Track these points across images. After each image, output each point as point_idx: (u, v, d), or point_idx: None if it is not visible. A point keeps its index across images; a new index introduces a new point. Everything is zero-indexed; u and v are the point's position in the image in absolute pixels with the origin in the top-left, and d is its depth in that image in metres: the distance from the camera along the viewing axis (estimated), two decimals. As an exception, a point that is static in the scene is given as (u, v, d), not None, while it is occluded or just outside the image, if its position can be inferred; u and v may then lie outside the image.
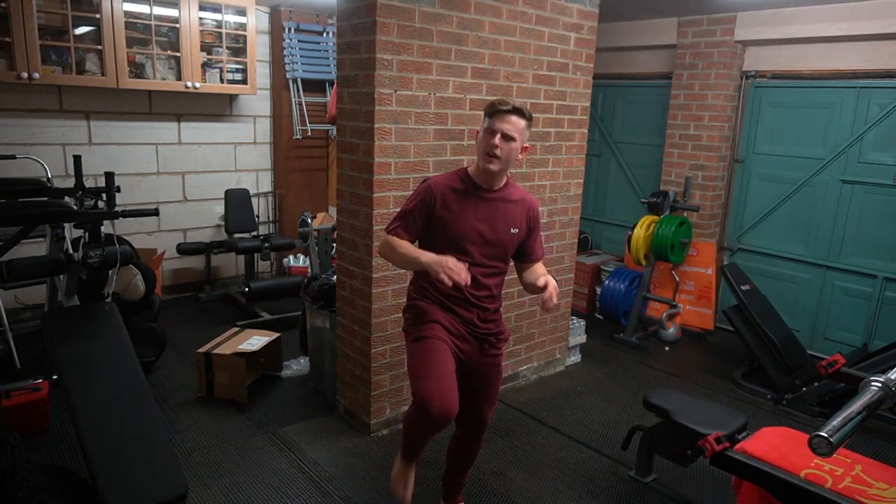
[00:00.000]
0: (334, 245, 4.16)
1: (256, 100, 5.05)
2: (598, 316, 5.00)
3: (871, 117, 3.93)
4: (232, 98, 4.95)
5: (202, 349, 3.29)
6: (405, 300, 2.13)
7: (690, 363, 4.19)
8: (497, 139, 1.84)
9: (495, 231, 1.95)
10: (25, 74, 3.73)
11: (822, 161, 4.18)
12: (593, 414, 3.33)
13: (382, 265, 2.71)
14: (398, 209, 2.07)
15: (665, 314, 4.52)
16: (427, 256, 1.83)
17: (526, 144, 1.93)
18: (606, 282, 4.87)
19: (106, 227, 2.78)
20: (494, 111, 1.86)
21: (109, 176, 2.77)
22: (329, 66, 5.21)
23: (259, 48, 4.88)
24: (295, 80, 5.09)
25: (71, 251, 2.80)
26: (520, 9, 3.02)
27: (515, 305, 3.48)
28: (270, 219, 5.42)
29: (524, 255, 2.07)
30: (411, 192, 2.08)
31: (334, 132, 4.26)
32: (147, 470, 2.19)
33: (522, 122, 1.88)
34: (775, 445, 1.94)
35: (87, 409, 2.26)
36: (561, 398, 3.51)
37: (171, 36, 4.37)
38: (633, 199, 5.33)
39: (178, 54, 4.36)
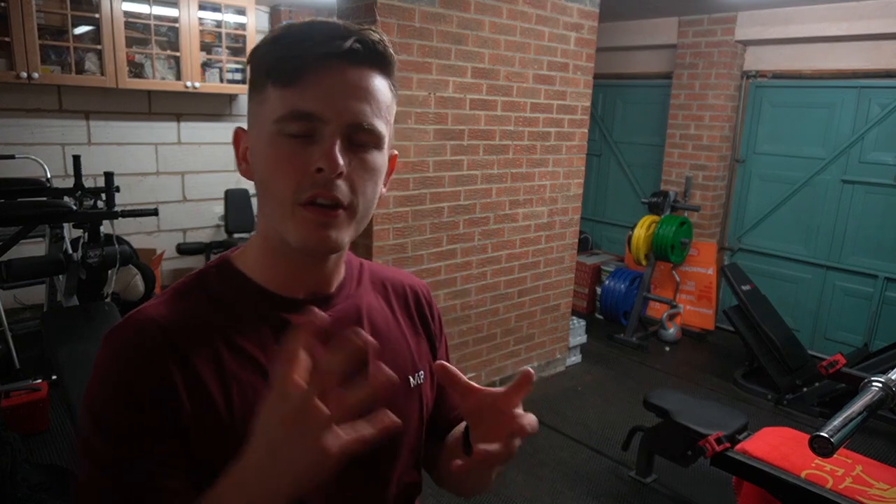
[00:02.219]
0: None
1: (256, 100, 5.04)
2: (599, 316, 4.99)
3: (872, 117, 3.93)
4: (232, 98, 4.94)
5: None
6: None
7: (691, 363, 4.19)
8: (335, 149, 0.63)
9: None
10: (25, 74, 3.72)
11: (822, 161, 4.17)
12: (593, 414, 3.33)
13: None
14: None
15: (665, 314, 4.52)
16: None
17: (394, 152, 0.75)
18: (607, 282, 4.87)
19: (105, 227, 2.78)
20: (311, 60, 0.63)
21: (109, 176, 2.77)
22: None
23: (259, 48, 4.87)
24: (295, 80, 5.08)
25: (70, 251, 2.80)
26: (520, 8, 3.02)
27: (515, 305, 3.48)
28: (270, 219, 5.41)
29: (446, 412, 0.89)
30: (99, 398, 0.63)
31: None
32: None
33: (386, 86, 0.68)
34: (776, 446, 1.93)
35: (86, 409, 2.26)
36: (561, 398, 3.50)
37: (170, 36, 4.37)
38: (633, 199, 5.32)
39: (177, 54, 4.35)
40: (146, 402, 0.60)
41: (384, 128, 0.67)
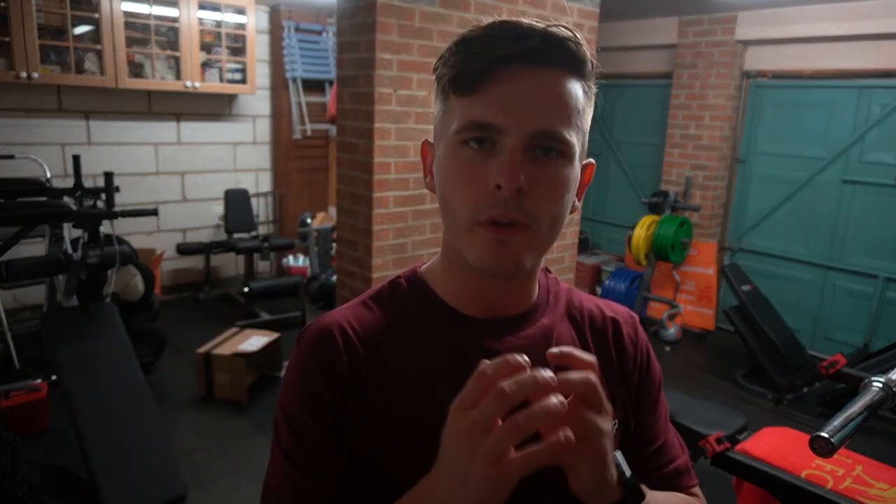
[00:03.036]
0: (334, 245, 4.16)
1: (256, 99, 5.05)
2: (599, 316, 4.98)
3: (872, 117, 3.93)
4: (231, 98, 4.94)
5: (202, 349, 3.28)
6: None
7: (691, 363, 4.18)
8: (514, 162, 0.58)
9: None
10: (24, 74, 3.72)
11: (822, 161, 4.17)
12: (593, 414, 3.33)
13: (382, 265, 2.70)
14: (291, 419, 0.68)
15: (666, 314, 4.51)
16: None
17: (590, 161, 0.70)
18: (607, 282, 4.86)
19: (105, 227, 2.78)
20: (490, 65, 0.59)
21: (109, 176, 2.77)
22: (329, 65, 5.20)
23: (258, 48, 4.88)
24: (294, 80, 5.08)
25: (70, 251, 2.80)
26: (520, 8, 3.02)
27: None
28: (270, 219, 5.41)
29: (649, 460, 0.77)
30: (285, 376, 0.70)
31: (334, 132, 4.27)
32: (146, 470, 2.19)
33: (578, 88, 0.62)
34: (776, 446, 1.93)
35: (86, 409, 2.26)
36: (561, 398, 3.50)
37: (170, 35, 4.37)
38: (633, 199, 5.32)
39: (177, 54, 4.35)
40: (328, 405, 0.63)
41: (574, 136, 0.61)
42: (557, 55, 0.59)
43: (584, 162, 0.67)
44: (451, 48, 0.62)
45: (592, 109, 0.65)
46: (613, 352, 0.75)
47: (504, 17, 0.60)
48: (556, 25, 0.60)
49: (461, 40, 0.61)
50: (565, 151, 0.60)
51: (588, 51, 0.62)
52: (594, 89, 0.64)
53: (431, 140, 0.70)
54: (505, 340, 0.67)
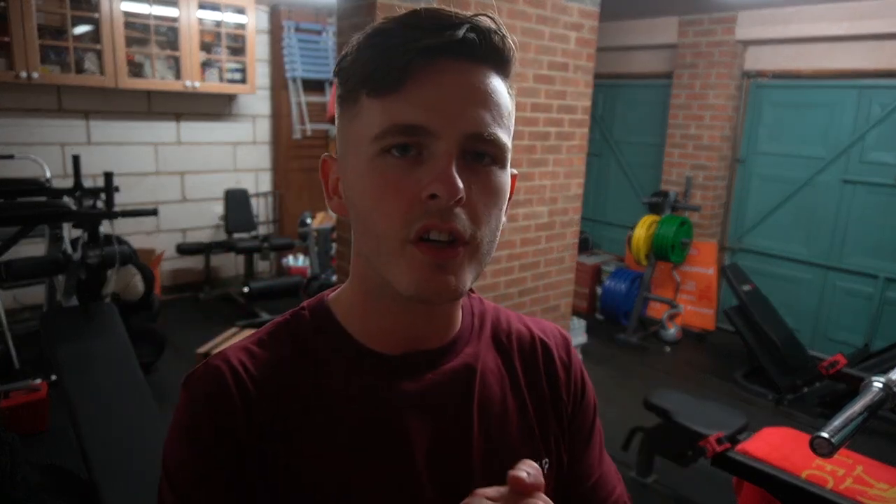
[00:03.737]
0: (334, 245, 4.16)
1: (256, 99, 5.04)
2: (599, 316, 4.99)
3: (873, 117, 3.93)
4: (231, 98, 4.94)
5: (202, 349, 3.28)
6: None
7: (691, 363, 4.18)
8: (451, 169, 0.51)
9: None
10: (24, 74, 3.72)
11: (823, 161, 4.17)
12: (593, 414, 3.33)
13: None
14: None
15: (666, 314, 4.51)
16: None
17: (514, 171, 0.60)
18: (607, 282, 4.86)
19: (105, 227, 2.77)
20: (413, 59, 0.51)
21: (108, 176, 2.77)
22: (329, 65, 5.20)
23: (258, 47, 4.88)
24: (294, 80, 5.08)
25: (70, 251, 2.80)
26: (520, 8, 3.01)
27: (515, 306, 3.47)
28: (270, 219, 5.41)
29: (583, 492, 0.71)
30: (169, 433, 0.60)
31: (334, 132, 4.28)
32: (146, 470, 2.19)
33: (504, 88, 0.56)
34: (776, 446, 1.93)
35: (86, 409, 2.26)
36: (561, 398, 3.50)
37: (170, 35, 4.37)
38: (633, 199, 5.32)
39: (177, 54, 4.35)
40: (211, 456, 0.55)
41: (507, 139, 0.54)
42: (486, 50, 0.53)
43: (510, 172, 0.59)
44: (360, 42, 0.53)
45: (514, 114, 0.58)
46: (544, 379, 0.68)
47: (424, 5, 0.53)
48: (481, 15, 0.53)
49: (374, 32, 0.52)
50: (499, 157, 0.54)
51: (514, 47, 0.55)
52: (514, 92, 0.57)
53: (334, 154, 0.61)
54: (423, 378, 0.60)
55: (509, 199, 0.59)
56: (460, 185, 0.50)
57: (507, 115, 0.55)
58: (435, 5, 0.54)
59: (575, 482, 0.69)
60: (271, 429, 0.56)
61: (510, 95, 0.56)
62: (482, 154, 0.53)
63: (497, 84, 0.54)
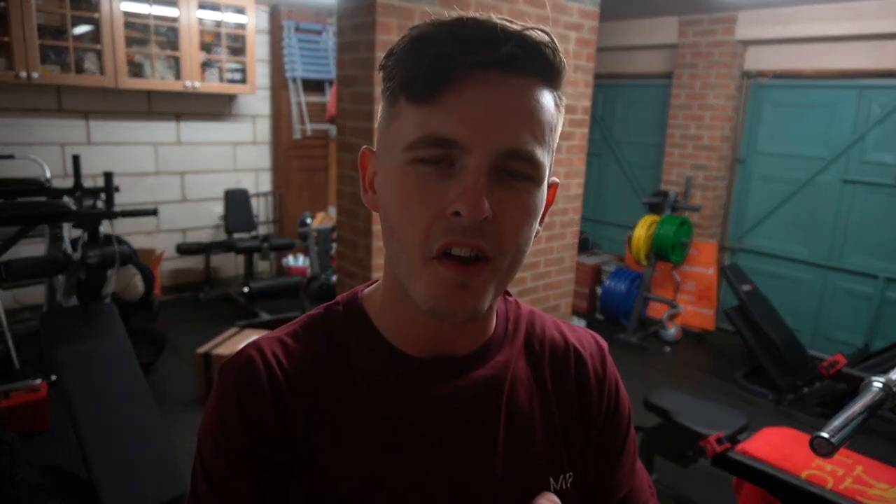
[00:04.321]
0: (334, 245, 4.15)
1: (256, 99, 5.04)
2: (599, 316, 4.99)
3: (873, 117, 3.92)
4: (231, 98, 4.94)
5: (201, 349, 3.28)
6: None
7: (691, 363, 4.18)
8: (478, 187, 0.50)
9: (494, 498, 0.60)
10: (24, 74, 3.72)
11: (823, 161, 4.17)
12: (593, 414, 3.33)
13: (382, 266, 2.69)
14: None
15: (666, 314, 4.51)
16: None
17: (555, 179, 0.60)
18: (607, 282, 4.86)
19: (105, 227, 2.77)
20: (454, 70, 0.50)
21: (108, 176, 2.77)
22: (329, 65, 5.20)
23: (258, 47, 4.87)
24: (294, 80, 5.08)
25: (70, 251, 2.80)
26: (520, 8, 3.02)
27: (515, 305, 3.47)
28: (270, 219, 5.41)
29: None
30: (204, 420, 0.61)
31: (334, 132, 4.28)
32: (146, 470, 2.19)
33: (551, 101, 0.54)
34: (776, 446, 1.93)
35: (86, 409, 2.26)
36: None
37: (170, 35, 4.37)
38: (633, 199, 5.32)
39: (177, 54, 4.35)
40: (240, 447, 0.56)
41: (545, 156, 0.53)
42: (532, 63, 0.51)
43: (549, 181, 0.58)
44: (405, 44, 0.52)
45: (561, 125, 0.57)
46: (575, 390, 0.66)
47: (474, 14, 0.51)
48: (532, 28, 0.52)
49: (420, 36, 0.51)
50: (535, 175, 0.52)
51: (564, 59, 0.53)
52: (564, 101, 0.56)
53: (374, 148, 0.60)
54: (452, 384, 0.59)
55: (547, 207, 0.58)
56: (485, 204, 0.49)
57: (548, 131, 0.53)
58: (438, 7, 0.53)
59: (605, 496, 0.67)
60: (302, 423, 0.57)
61: (558, 108, 0.55)
62: (516, 172, 0.51)
63: (542, 98, 0.52)
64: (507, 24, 0.51)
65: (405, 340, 0.60)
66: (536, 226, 0.56)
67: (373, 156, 0.60)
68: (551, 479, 0.62)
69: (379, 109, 0.58)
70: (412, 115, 0.51)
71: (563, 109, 0.56)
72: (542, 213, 0.56)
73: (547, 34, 0.52)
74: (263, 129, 5.19)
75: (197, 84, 4.44)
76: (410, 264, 0.53)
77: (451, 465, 0.58)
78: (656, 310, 4.73)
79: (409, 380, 0.59)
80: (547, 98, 0.53)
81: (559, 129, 0.56)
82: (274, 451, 0.56)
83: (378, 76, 0.56)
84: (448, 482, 0.58)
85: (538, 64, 0.52)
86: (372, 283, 0.67)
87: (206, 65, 4.58)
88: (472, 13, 0.51)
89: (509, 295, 0.68)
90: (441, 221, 0.50)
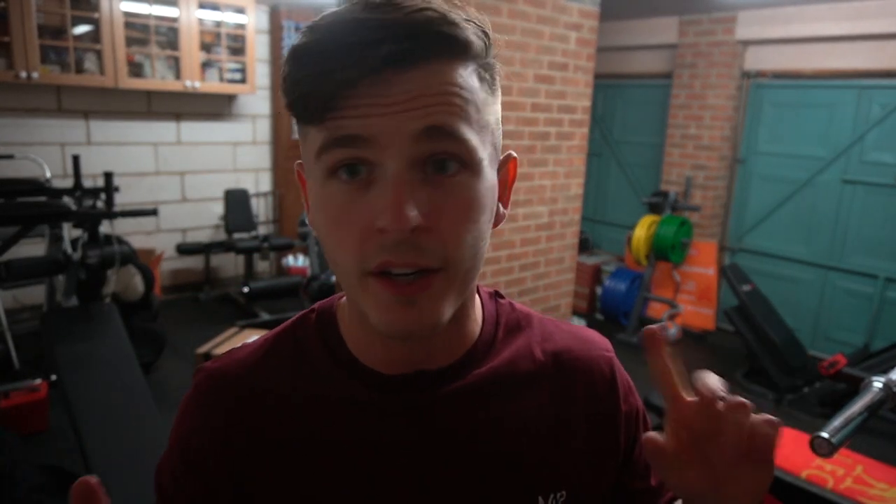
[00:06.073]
0: (334, 245, 4.15)
1: (256, 99, 5.04)
2: (599, 316, 4.99)
3: (873, 117, 3.92)
4: (231, 98, 4.94)
5: (201, 349, 3.28)
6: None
7: (691, 363, 4.16)
8: (399, 192, 0.44)
9: None
10: (24, 74, 3.72)
11: (823, 161, 4.17)
12: (593, 414, 3.32)
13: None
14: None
15: (666, 314, 4.51)
16: None
17: (510, 153, 0.55)
18: (607, 282, 4.86)
19: (105, 227, 2.77)
20: (335, 91, 0.44)
21: (108, 176, 2.77)
22: (329, 65, 5.19)
23: (258, 47, 4.87)
24: (295, 80, 5.07)
25: (70, 251, 2.80)
26: (520, 8, 3.01)
27: (515, 305, 3.47)
28: (270, 219, 5.41)
29: None
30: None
31: (334, 132, 4.29)
32: (146, 470, 2.19)
33: (468, 74, 0.47)
34: (776, 446, 1.93)
35: (85, 409, 2.25)
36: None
37: (170, 35, 4.36)
38: (633, 199, 5.32)
39: (177, 54, 4.35)
40: (199, 463, 0.54)
41: (474, 135, 0.46)
42: (429, 46, 0.44)
43: (503, 156, 0.53)
44: (287, 61, 0.46)
45: (499, 96, 0.50)
46: (582, 406, 0.60)
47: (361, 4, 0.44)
48: (419, 10, 0.43)
49: (292, 55, 0.45)
50: (468, 160, 0.45)
51: (473, 25, 0.46)
52: (496, 68, 0.49)
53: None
54: (424, 401, 0.54)
55: (510, 185, 0.54)
56: (410, 212, 0.43)
57: (473, 109, 0.46)
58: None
59: (651, 499, 0.65)
60: (261, 445, 0.54)
61: (483, 81, 0.47)
62: (443, 162, 0.45)
63: (456, 77, 0.45)
64: (392, 14, 0.43)
65: (371, 357, 0.55)
66: (489, 216, 0.49)
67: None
68: (540, 499, 0.56)
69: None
70: (313, 129, 0.46)
71: (494, 77, 0.49)
72: (495, 197, 0.50)
73: (437, 10, 0.44)
74: (263, 129, 5.19)
75: (197, 84, 4.44)
76: (352, 287, 0.48)
77: (422, 487, 0.53)
78: (656, 310, 4.73)
79: (373, 397, 0.54)
80: (462, 75, 0.45)
81: (494, 101, 0.49)
82: (231, 470, 0.54)
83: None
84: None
85: (436, 44, 0.44)
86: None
87: (206, 65, 4.58)
88: (359, 9, 0.44)
89: (501, 297, 0.63)
90: (372, 239, 0.45)
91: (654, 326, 0.48)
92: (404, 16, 0.43)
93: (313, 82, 0.44)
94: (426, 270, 0.45)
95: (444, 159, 0.45)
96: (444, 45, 0.44)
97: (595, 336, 0.67)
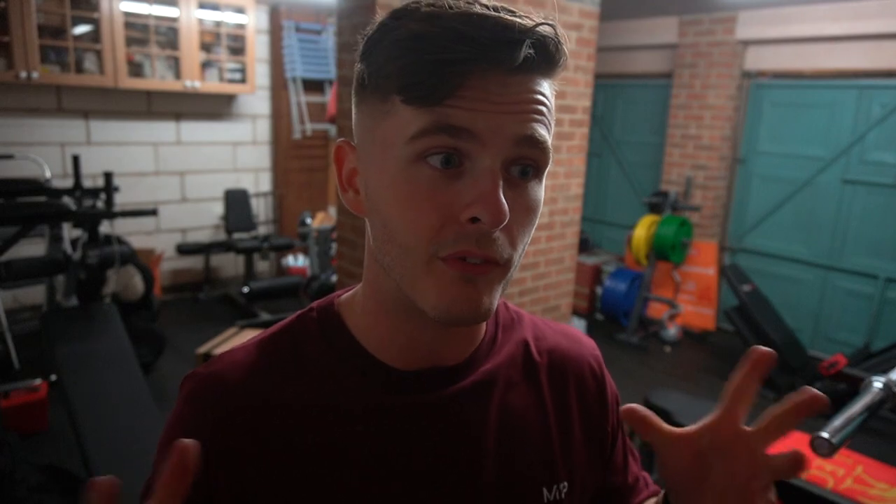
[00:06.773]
0: (334, 245, 4.15)
1: (256, 99, 5.04)
2: (599, 316, 4.99)
3: (873, 117, 3.92)
4: (231, 98, 4.94)
5: (201, 349, 3.28)
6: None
7: (691, 364, 4.18)
8: (498, 188, 0.46)
9: None
10: (24, 74, 3.72)
11: (823, 161, 4.17)
12: (593, 414, 3.32)
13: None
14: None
15: (666, 314, 4.51)
16: None
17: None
18: (607, 282, 4.86)
19: (104, 227, 2.77)
20: (460, 81, 0.45)
21: (108, 176, 2.77)
22: (329, 65, 5.20)
23: (258, 47, 4.87)
24: (294, 80, 5.08)
25: (70, 251, 2.80)
26: (520, 8, 3.02)
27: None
28: (270, 219, 5.41)
29: None
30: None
31: (334, 132, 4.28)
32: (146, 470, 2.19)
33: (549, 89, 0.51)
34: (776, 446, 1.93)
35: (85, 409, 2.26)
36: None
37: (170, 35, 4.37)
38: (633, 199, 5.32)
39: (177, 54, 4.35)
40: (197, 482, 0.49)
41: (550, 147, 0.49)
42: (541, 60, 0.47)
43: None
44: (397, 37, 0.46)
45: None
46: (575, 401, 0.63)
47: (478, 7, 0.46)
48: (542, 23, 0.47)
49: (420, 35, 0.45)
50: (543, 164, 0.49)
51: (566, 48, 0.50)
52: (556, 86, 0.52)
53: (353, 142, 0.54)
54: (436, 398, 0.55)
55: None
56: (506, 209, 0.45)
57: (552, 120, 0.50)
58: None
59: (631, 494, 0.69)
60: (259, 450, 0.52)
61: (553, 93, 0.51)
62: (526, 167, 0.48)
63: (545, 88, 0.49)
64: (517, 19, 0.46)
65: (387, 352, 0.55)
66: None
67: (352, 150, 0.53)
68: (544, 490, 0.58)
69: (353, 98, 0.52)
70: (410, 111, 0.46)
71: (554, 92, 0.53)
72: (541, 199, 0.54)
73: (552, 27, 0.48)
74: (263, 129, 5.19)
75: (197, 84, 4.44)
76: (413, 267, 0.48)
77: (436, 483, 0.54)
78: (656, 310, 4.73)
79: (387, 395, 0.54)
80: (545, 87, 0.49)
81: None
82: (227, 480, 0.52)
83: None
84: (432, 499, 0.54)
85: (544, 60, 0.47)
86: (348, 291, 0.61)
87: (205, 65, 4.58)
88: (477, 6, 0.46)
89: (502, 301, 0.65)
90: (452, 227, 0.46)
91: (632, 406, 0.51)
92: (533, 26, 0.46)
93: (439, 66, 0.44)
94: (492, 262, 0.47)
95: (528, 165, 0.48)
96: (552, 61, 0.48)
97: (581, 335, 0.70)
